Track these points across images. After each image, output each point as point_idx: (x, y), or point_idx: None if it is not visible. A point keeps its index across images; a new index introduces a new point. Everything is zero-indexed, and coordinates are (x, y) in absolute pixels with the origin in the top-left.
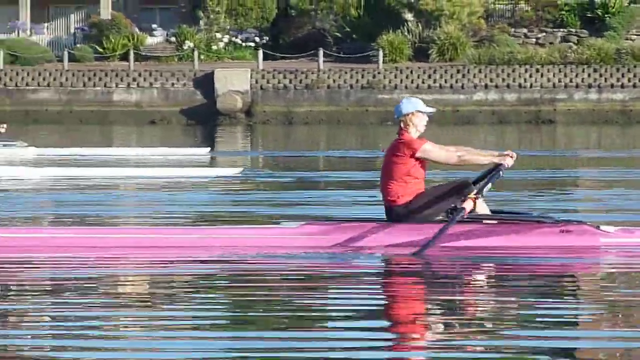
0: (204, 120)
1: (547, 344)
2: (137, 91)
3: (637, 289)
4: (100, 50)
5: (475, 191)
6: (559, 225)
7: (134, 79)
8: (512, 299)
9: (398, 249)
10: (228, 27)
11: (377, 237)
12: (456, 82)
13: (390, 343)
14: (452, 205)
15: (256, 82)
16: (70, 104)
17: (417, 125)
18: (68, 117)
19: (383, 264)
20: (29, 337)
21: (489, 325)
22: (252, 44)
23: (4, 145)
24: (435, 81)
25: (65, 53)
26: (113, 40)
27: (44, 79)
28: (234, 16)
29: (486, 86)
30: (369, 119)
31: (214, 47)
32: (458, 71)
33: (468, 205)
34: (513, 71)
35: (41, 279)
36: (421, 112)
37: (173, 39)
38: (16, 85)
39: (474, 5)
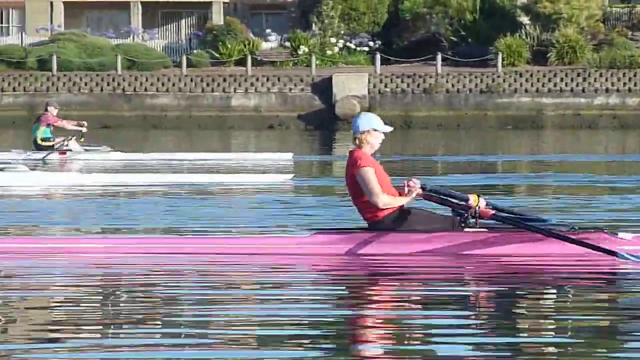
0: (322, 125)
1: (564, 354)
2: (255, 96)
3: None
4: (217, 55)
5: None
6: (576, 232)
7: (252, 84)
8: (525, 308)
9: (410, 257)
10: (342, 32)
11: (389, 246)
12: (577, 85)
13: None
14: (462, 214)
15: (374, 86)
16: (189, 109)
17: (372, 144)
18: (187, 123)
19: (393, 272)
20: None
21: (500, 334)
22: (366, 49)
23: (86, 150)
24: (555, 85)
25: (184, 58)
26: (229, 45)
27: (162, 85)
28: (346, 21)
29: (607, 90)
30: (489, 123)
31: (329, 52)
32: (578, 75)
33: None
34: (635, 75)
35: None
36: (377, 130)
37: (288, 43)
38: (134, 91)
39: (592, 9)
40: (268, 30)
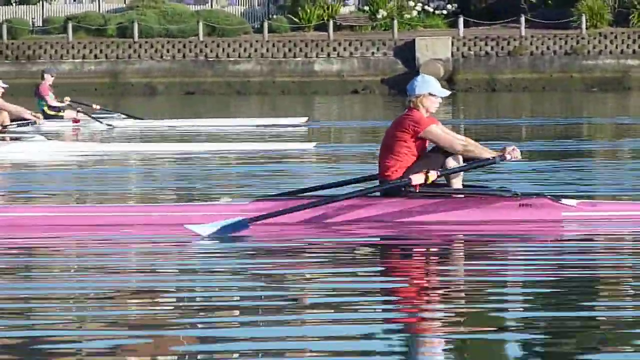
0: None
1: (507, 322)
2: (337, 61)
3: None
4: (296, 20)
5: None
6: (518, 198)
7: (334, 49)
8: (464, 276)
9: (363, 225)
10: None
11: (331, 212)
12: None
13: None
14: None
15: (457, 49)
16: (272, 74)
17: (428, 108)
18: (270, 88)
19: (330, 240)
20: None
21: (439, 301)
22: (444, 12)
23: (96, 119)
24: None
25: (265, 24)
26: (308, 10)
27: (244, 50)
28: None
29: None
30: (574, 85)
31: (407, 16)
32: None
33: (416, 178)
34: None
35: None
36: (433, 95)
37: (366, 8)
38: (217, 57)
39: None
40: None
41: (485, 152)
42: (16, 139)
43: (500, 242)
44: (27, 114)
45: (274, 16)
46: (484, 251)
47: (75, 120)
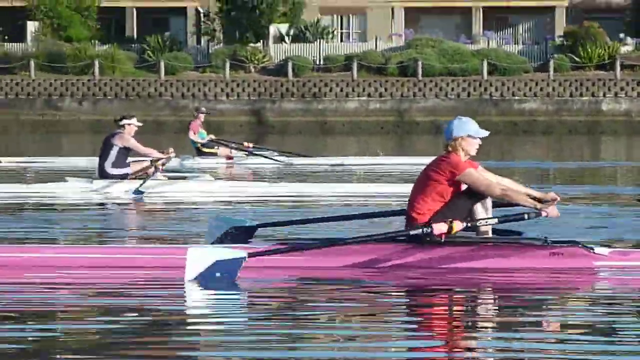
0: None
1: None
2: (625, 100)
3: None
4: (577, 59)
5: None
6: (549, 247)
7: (622, 88)
8: (495, 326)
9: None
10: None
11: (350, 254)
12: None
13: None
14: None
15: None
16: (558, 114)
17: (468, 150)
18: (557, 128)
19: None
20: None
21: (469, 355)
22: None
23: (264, 156)
24: None
25: (551, 63)
26: (590, 49)
27: (530, 89)
28: None
29: None
30: None
31: None
32: None
33: (438, 227)
34: None
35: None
36: (472, 136)
37: None
38: (501, 95)
39: None
40: (621, 35)
41: (522, 199)
42: (183, 177)
43: (530, 292)
44: (155, 153)
45: (554, 55)
46: (511, 301)
47: (229, 158)
